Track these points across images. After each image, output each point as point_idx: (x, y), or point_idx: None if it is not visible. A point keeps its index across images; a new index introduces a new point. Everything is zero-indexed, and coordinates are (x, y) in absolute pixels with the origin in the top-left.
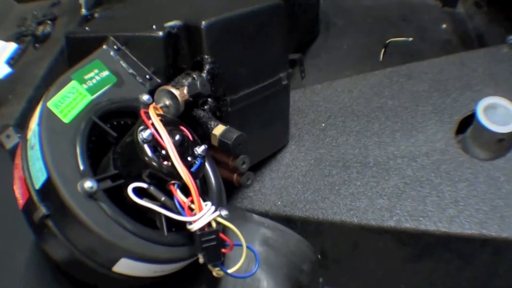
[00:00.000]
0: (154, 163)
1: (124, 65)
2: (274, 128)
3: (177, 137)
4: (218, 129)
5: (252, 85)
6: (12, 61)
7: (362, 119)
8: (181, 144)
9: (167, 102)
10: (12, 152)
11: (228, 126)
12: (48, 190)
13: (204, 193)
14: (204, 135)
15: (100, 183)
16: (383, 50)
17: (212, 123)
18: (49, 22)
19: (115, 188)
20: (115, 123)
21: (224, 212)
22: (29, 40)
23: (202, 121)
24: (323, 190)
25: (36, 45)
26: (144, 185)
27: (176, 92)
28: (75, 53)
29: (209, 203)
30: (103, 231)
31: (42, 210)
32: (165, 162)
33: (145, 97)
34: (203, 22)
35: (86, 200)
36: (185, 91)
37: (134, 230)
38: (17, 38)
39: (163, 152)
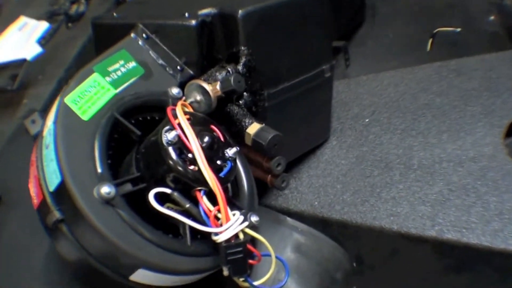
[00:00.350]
0: (179, 168)
1: (153, 55)
2: (315, 123)
3: (206, 139)
4: (253, 128)
5: (292, 78)
6: (43, 41)
7: (408, 116)
8: (210, 146)
9: (198, 98)
10: (37, 138)
11: (263, 124)
12: (62, 194)
13: (235, 196)
14: (238, 133)
15: (120, 187)
16: (430, 40)
17: (247, 120)
18: (83, 1)
19: (137, 191)
20: (140, 118)
21: (254, 218)
22: (61, 19)
23: (236, 118)
24: (363, 192)
25: (69, 24)
26: (168, 191)
27: (208, 87)
28: (102, 41)
29: (237, 213)
30: (119, 240)
31: (56, 214)
32: (191, 167)
33: (175, 91)
34: (240, 11)
35: (102, 207)
36: (218, 86)
37: (153, 239)
38: (49, 17)
39: (190, 155)
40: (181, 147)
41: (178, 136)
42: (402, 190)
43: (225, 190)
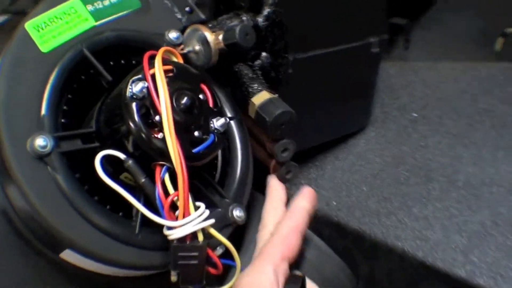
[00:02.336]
0: (139, 131)
1: None
2: (351, 105)
3: (184, 100)
4: (260, 97)
5: (329, 45)
6: None
7: (463, 120)
8: (188, 110)
9: (197, 47)
10: None
11: (275, 95)
12: None
13: (223, 178)
14: (243, 100)
15: (62, 142)
16: (502, 40)
17: (255, 86)
18: None
19: (90, 152)
20: (123, 61)
21: (238, 213)
22: None
23: (242, 81)
24: (392, 201)
25: None
26: (121, 156)
27: (209, 35)
28: None
29: (202, 207)
30: (44, 209)
31: None
32: (157, 134)
33: (173, 35)
34: None
35: (33, 164)
36: (221, 36)
37: (90, 216)
38: None
39: (157, 118)
40: (150, 105)
41: (148, 90)
42: (439, 210)
43: (202, 178)
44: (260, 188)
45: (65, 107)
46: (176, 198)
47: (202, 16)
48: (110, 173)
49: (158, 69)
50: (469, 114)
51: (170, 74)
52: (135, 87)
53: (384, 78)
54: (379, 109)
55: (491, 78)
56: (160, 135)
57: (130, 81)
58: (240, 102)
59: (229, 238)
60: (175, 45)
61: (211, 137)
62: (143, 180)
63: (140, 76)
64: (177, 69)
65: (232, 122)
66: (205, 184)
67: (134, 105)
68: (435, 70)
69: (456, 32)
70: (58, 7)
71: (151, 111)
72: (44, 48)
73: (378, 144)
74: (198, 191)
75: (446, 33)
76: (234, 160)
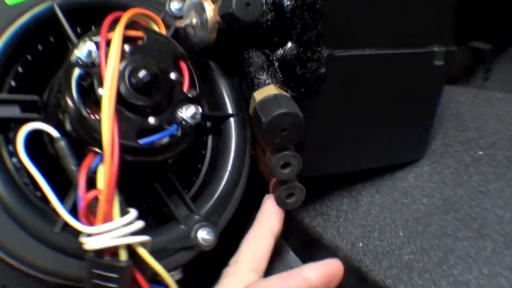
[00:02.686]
0: (71, 103)
1: None
2: (404, 130)
3: (142, 74)
4: (264, 91)
5: (380, 45)
6: None
7: None
8: (144, 88)
9: (194, 21)
10: None
11: (286, 92)
12: None
13: (204, 188)
14: (248, 93)
15: None
16: None
17: (263, 77)
18: None
19: None
20: None
21: (204, 235)
22: None
23: (250, 70)
24: (431, 255)
25: None
26: (53, 132)
27: (208, 5)
28: None
29: (132, 214)
30: None
31: None
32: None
33: (176, 5)
34: None
35: None
36: (218, 5)
37: (5, 200)
38: None
39: (100, 91)
40: (97, 75)
41: (98, 56)
42: (485, 276)
43: (167, 181)
44: None
45: (20, 69)
46: (97, 197)
47: None
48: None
49: (118, 30)
50: None
51: (139, 43)
52: (80, 51)
53: (452, 105)
54: (440, 140)
55: None
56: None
57: (81, 42)
58: (247, 96)
59: (190, 263)
60: (176, 17)
61: (172, 128)
62: (72, 167)
63: (94, 37)
64: (148, 38)
65: (231, 120)
66: (170, 190)
67: (76, 71)
68: None
69: None
70: None
71: (95, 82)
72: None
73: (430, 182)
74: (159, 198)
75: None
76: (222, 168)
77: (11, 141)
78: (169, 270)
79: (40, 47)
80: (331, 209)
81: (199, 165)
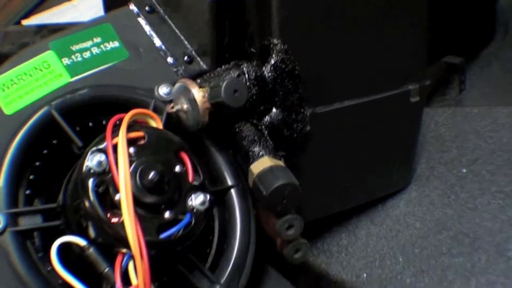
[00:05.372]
0: (93, 212)
1: (151, 36)
2: (388, 164)
3: (151, 175)
4: (260, 164)
5: (357, 94)
6: None
7: None
8: (155, 188)
9: (185, 106)
10: None
11: (280, 161)
12: None
13: (218, 258)
14: (244, 165)
15: (23, 218)
16: None
17: (256, 150)
18: None
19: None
20: (104, 122)
21: None
22: None
23: (243, 144)
24: (430, 275)
25: None
26: (82, 242)
27: (197, 92)
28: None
29: None
30: None
31: None
32: (119, 216)
33: (164, 90)
34: None
35: None
36: (207, 93)
37: None
38: None
39: (117, 196)
40: (110, 182)
41: (108, 164)
42: (483, 286)
43: (186, 260)
44: (275, 264)
45: (31, 176)
46: None
47: (204, 66)
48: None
49: (121, 138)
50: None
51: (141, 142)
52: (92, 160)
53: (432, 127)
54: (425, 163)
55: None
56: (118, 218)
57: (89, 152)
58: (244, 167)
59: None
60: (165, 102)
61: (186, 218)
62: (105, 270)
63: (101, 146)
64: (149, 136)
65: (232, 191)
66: (190, 267)
67: (90, 181)
68: (490, 117)
69: None
70: (29, 62)
71: (111, 189)
72: (8, 109)
73: (420, 206)
74: (183, 277)
75: (508, 72)
76: (231, 238)
77: (37, 247)
78: None
79: (45, 151)
80: (332, 246)
81: (210, 237)
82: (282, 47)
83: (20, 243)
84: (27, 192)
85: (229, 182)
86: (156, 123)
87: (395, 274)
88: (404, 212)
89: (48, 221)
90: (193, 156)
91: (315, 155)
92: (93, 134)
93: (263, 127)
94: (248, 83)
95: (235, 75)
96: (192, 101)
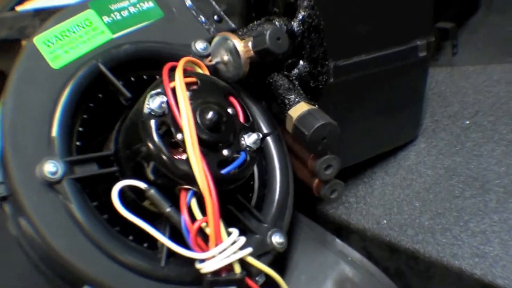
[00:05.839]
0: (159, 152)
1: None
2: (399, 116)
3: (210, 115)
4: (298, 109)
5: (373, 50)
6: None
7: None
8: (215, 128)
9: (226, 58)
10: None
11: (315, 106)
12: (4, 165)
13: (261, 201)
14: (280, 114)
15: (76, 166)
16: None
17: (292, 97)
18: None
19: (107, 176)
20: (145, 77)
21: (277, 239)
22: None
23: (278, 93)
24: (447, 217)
25: None
26: (142, 185)
27: (238, 43)
28: None
29: (235, 233)
30: (58, 244)
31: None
32: (180, 155)
33: (200, 45)
34: None
35: (43, 191)
36: (250, 44)
37: (109, 249)
38: None
39: (180, 136)
40: (171, 122)
41: (168, 106)
42: (496, 222)
43: (236, 201)
44: (303, 209)
45: (80, 129)
46: (205, 225)
47: (232, 25)
48: (132, 200)
49: (179, 81)
50: None
51: (194, 87)
52: (153, 103)
53: (432, 85)
54: (429, 118)
55: None
56: (183, 156)
57: (148, 96)
58: (277, 116)
59: (270, 266)
60: (202, 56)
61: (242, 156)
62: (168, 209)
63: (159, 90)
64: (201, 82)
65: (268, 139)
66: (239, 208)
67: (152, 122)
68: (486, 74)
69: (505, 35)
70: (71, 19)
71: (173, 129)
72: (55, 64)
73: (429, 155)
74: (232, 216)
75: (494, 37)
76: (272, 181)
77: (95, 195)
78: (256, 275)
79: (91, 104)
80: (350, 197)
81: (251, 182)
82: (309, 3)
83: (79, 191)
84: (78, 143)
85: (265, 130)
86: (203, 71)
87: (413, 218)
88: (416, 162)
89: (102, 169)
90: (242, 100)
91: (336, 106)
92: (135, 89)
93: (293, 78)
94: None
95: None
96: (233, 52)
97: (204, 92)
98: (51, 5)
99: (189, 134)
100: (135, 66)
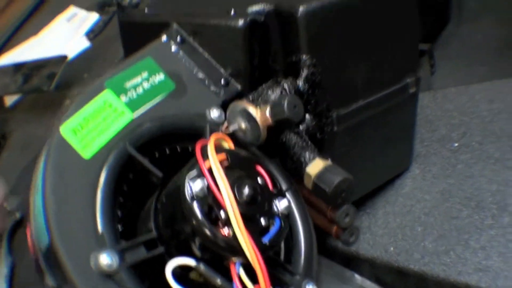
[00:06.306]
0: (206, 232)
1: (189, 64)
2: (395, 149)
3: (246, 190)
4: (315, 166)
5: (369, 94)
6: (91, 35)
7: (504, 142)
8: (252, 201)
9: (243, 125)
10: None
11: (329, 161)
12: (53, 258)
13: (287, 255)
14: (296, 170)
15: (127, 253)
16: None
17: (307, 155)
18: None
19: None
20: (167, 150)
21: (310, 286)
22: (113, 11)
23: (294, 152)
24: (448, 237)
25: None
26: (192, 262)
27: (255, 112)
28: (131, 43)
29: None
30: None
31: (48, 280)
32: (224, 230)
33: (215, 114)
34: (301, 8)
35: (101, 283)
36: (268, 112)
37: None
38: (100, 8)
39: (222, 213)
40: (212, 201)
41: (208, 187)
42: (494, 237)
43: (269, 259)
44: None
45: (119, 213)
46: None
47: (239, 87)
48: (179, 274)
49: (215, 163)
50: (508, 134)
51: (225, 164)
52: (195, 187)
53: (418, 110)
54: (420, 144)
55: None
56: (226, 231)
57: (187, 179)
58: (292, 171)
59: None
60: (218, 124)
61: (277, 222)
62: (219, 282)
63: (196, 172)
64: (231, 157)
65: (287, 194)
66: (272, 264)
67: (196, 205)
68: (468, 94)
69: (476, 44)
70: (91, 103)
71: (214, 207)
72: (86, 153)
73: (424, 180)
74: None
75: (467, 48)
76: (296, 234)
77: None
78: None
79: (125, 187)
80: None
81: None
82: (312, 61)
83: (133, 277)
84: (119, 227)
85: (284, 186)
86: (228, 144)
87: (417, 242)
88: (412, 188)
89: (150, 251)
90: (267, 166)
91: (338, 149)
92: (160, 164)
93: (302, 134)
94: None
95: (279, 92)
96: (251, 120)
97: (235, 167)
98: (30, 59)
99: (233, 213)
100: (158, 142)
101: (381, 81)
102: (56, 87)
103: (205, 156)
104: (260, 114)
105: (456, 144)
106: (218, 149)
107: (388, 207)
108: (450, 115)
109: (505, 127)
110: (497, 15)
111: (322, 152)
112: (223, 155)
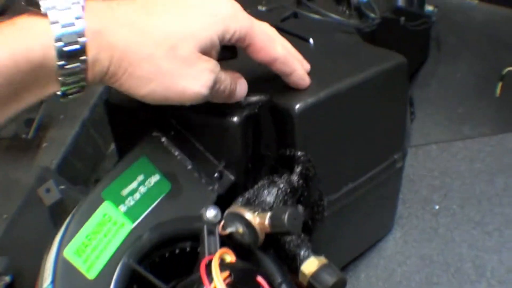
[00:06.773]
0: None
1: (182, 159)
2: (379, 216)
3: None
4: (310, 265)
5: (358, 176)
6: None
7: (484, 206)
8: None
9: (241, 229)
10: (52, 209)
11: (323, 259)
12: None
13: None
14: (290, 267)
15: None
16: (500, 84)
17: (302, 252)
18: None
19: None
20: (167, 254)
21: None
22: None
23: (288, 249)
24: None
25: None
26: None
27: (253, 220)
28: (119, 124)
29: None
30: None
31: None
32: None
33: (211, 213)
34: (297, 106)
35: None
36: (267, 222)
37: None
38: None
39: None
40: None
41: None
42: None
43: None
44: None
45: None
46: None
47: (232, 178)
48: None
49: (219, 283)
50: (488, 197)
51: (228, 281)
52: None
53: None
54: (402, 205)
55: (506, 153)
56: None
57: None
58: (288, 266)
59: None
60: (214, 224)
61: None
62: None
63: None
64: (235, 273)
65: (283, 286)
66: None
67: None
68: (450, 153)
69: (455, 83)
70: (91, 219)
71: None
72: (91, 274)
73: (406, 244)
74: None
75: (446, 88)
76: None
77: None
78: None
79: None
80: None
81: None
82: (306, 157)
83: None
84: None
85: (279, 279)
86: (230, 256)
87: None
88: (394, 252)
89: None
90: (265, 276)
91: (328, 229)
92: (160, 267)
93: None
94: (286, 197)
95: (274, 192)
96: (248, 226)
97: (239, 282)
98: None
99: None
100: (157, 249)
101: (369, 161)
102: (33, 135)
103: (209, 276)
104: (259, 221)
105: (437, 207)
106: (221, 265)
107: (370, 270)
108: (432, 175)
109: (485, 190)
110: (474, 51)
111: (312, 236)
112: (227, 273)
